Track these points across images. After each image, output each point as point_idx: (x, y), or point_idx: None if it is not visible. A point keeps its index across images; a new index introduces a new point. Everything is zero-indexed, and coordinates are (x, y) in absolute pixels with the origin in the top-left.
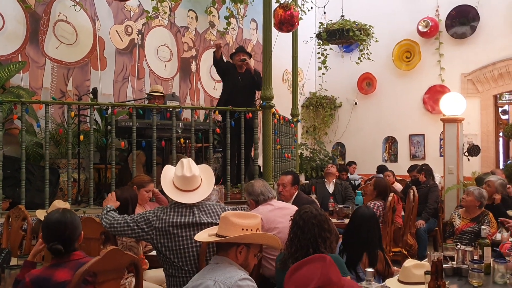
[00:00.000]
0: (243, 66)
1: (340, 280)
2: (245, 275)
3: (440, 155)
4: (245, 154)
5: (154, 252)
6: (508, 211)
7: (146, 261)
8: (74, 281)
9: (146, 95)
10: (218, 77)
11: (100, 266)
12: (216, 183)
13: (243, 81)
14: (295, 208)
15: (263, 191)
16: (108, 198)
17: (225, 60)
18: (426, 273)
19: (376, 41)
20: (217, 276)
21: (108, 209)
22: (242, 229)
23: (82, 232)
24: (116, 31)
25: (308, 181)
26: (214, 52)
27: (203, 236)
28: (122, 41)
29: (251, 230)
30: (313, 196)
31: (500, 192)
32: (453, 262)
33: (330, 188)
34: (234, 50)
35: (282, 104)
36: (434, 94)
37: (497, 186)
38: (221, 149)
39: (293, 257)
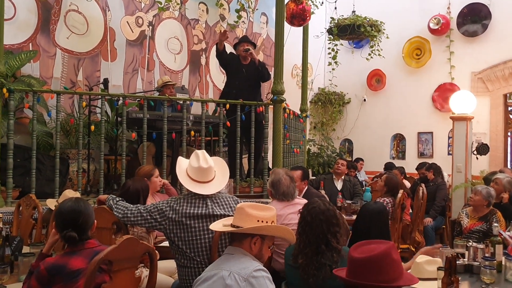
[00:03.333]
0: (247, 56)
1: (399, 261)
2: (260, 266)
3: (448, 154)
4: (255, 148)
5: (164, 243)
6: None
7: (157, 252)
8: (90, 269)
9: (156, 88)
10: None
11: (115, 254)
12: None
13: (248, 72)
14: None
15: (286, 193)
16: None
17: (228, 52)
18: (439, 269)
19: (387, 37)
20: (232, 267)
21: (117, 200)
22: (258, 221)
23: (95, 221)
24: (127, 22)
25: (314, 177)
26: (216, 44)
27: (218, 226)
28: (132, 32)
29: (267, 222)
30: (322, 192)
31: (508, 190)
32: (464, 259)
33: (339, 185)
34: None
35: (290, 99)
36: (443, 92)
37: (504, 183)
38: (226, 144)
39: (303, 253)
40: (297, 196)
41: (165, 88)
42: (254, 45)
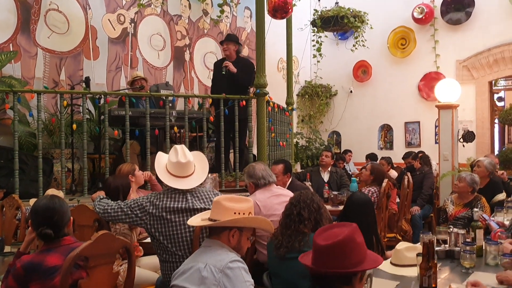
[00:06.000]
0: (230, 55)
1: (363, 243)
2: (236, 257)
3: (436, 142)
4: (239, 143)
5: (148, 239)
6: (497, 195)
7: (141, 248)
8: (65, 265)
9: (129, 87)
10: (212, 66)
11: (91, 250)
12: (210, 172)
13: (229, 71)
14: (291, 194)
15: (264, 175)
16: (97, 193)
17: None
18: (418, 255)
19: (371, 28)
20: (208, 259)
21: (101, 197)
22: (235, 213)
23: (72, 218)
24: (109, 19)
25: (302, 170)
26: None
27: (196, 220)
28: (114, 30)
29: (243, 213)
30: (308, 184)
31: (490, 170)
32: (446, 245)
33: (325, 176)
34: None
35: (277, 93)
36: (429, 81)
37: (486, 165)
38: (214, 139)
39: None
40: (280, 187)
41: (137, 83)
42: (237, 42)
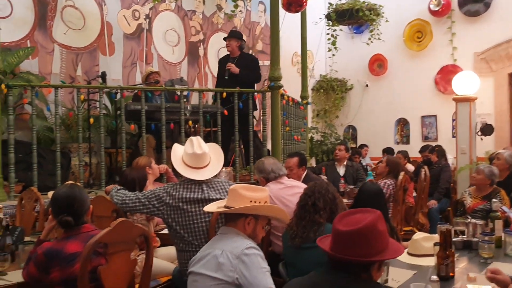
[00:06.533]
0: (233, 51)
1: (386, 232)
2: (252, 244)
3: (453, 136)
4: (243, 137)
5: (165, 231)
6: None
7: (157, 239)
8: (85, 252)
9: (145, 82)
10: None
11: (110, 237)
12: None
13: (230, 74)
14: (304, 186)
15: (273, 168)
16: (111, 186)
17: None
18: (435, 244)
19: (387, 21)
20: (224, 246)
21: (118, 188)
22: (251, 201)
23: (91, 206)
24: (124, 15)
25: (318, 164)
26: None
27: (212, 207)
28: (129, 26)
29: (259, 202)
30: (323, 177)
31: (510, 163)
32: (463, 236)
33: (341, 170)
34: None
35: (292, 87)
36: (446, 74)
37: (506, 157)
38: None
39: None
40: (292, 179)
41: (151, 78)
42: (239, 38)
